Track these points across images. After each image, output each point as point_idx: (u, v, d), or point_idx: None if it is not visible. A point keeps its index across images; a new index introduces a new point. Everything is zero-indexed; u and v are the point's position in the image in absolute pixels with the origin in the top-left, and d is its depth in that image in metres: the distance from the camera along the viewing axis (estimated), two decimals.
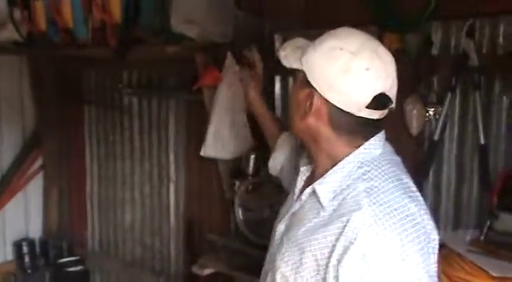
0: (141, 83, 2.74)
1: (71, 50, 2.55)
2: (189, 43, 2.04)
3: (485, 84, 1.65)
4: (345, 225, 1.02)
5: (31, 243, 3.19)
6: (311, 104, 1.10)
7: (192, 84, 2.18)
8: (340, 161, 1.11)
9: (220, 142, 2.11)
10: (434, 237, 1.07)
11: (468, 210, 1.71)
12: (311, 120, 1.12)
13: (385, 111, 1.11)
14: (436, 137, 1.74)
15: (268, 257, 1.27)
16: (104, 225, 3.12)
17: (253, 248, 2.04)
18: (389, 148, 1.16)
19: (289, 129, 1.25)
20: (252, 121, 2.13)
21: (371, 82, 1.06)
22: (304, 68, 1.11)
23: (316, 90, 1.09)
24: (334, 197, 1.09)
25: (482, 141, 1.65)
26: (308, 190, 1.16)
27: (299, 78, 1.14)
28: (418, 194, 1.10)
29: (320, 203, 1.11)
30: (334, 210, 1.07)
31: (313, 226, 1.10)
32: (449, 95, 1.71)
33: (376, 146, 1.12)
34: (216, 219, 2.46)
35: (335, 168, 1.11)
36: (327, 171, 1.13)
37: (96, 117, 3.05)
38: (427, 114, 1.76)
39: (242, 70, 1.78)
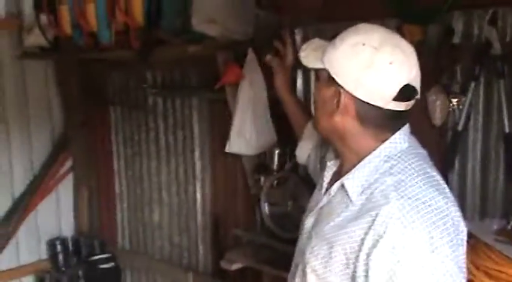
0: (164, 83, 2.78)
1: (95, 53, 2.61)
2: (210, 42, 2.07)
3: (509, 73, 1.63)
4: (374, 219, 1.04)
5: (64, 241, 3.27)
6: (338, 101, 1.12)
7: (214, 82, 2.22)
8: (366, 155, 1.13)
9: (244, 138, 2.14)
10: (463, 229, 1.08)
11: (494, 200, 1.70)
12: (338, 118, 1.14)
13: (411, 102, 1.13)
14: (460, 128, 1.73)
15: (297, 251, 1.29)
16: (133, 223, 3.18)
17: (278, 242, 2.06)
18: (414, 141, 1.17)
19: (315, 128, 1.25)
20: (275, 116, 2.16)
21: (396, 75, 1.08)
22: (327, 67, 1.12)
23: (342, 87, 1.11)
24: (362, 192, 1.11)
25: (507, 129, 1.63)
26: (337, 185, 1.17)
27: (322, 77, 1.16)
28: (445, 186, 1.11)
29: (349, 198, 1.13)
30: (363, 205, 1.09)
31: (342, 220, 1.12)
32: (472, 85, 1.70)
33: (402, 139, 1.14)
34: (242, 215, 2.49)
35: (362, 163, 1.13)
36: (354, 166, 1.15)
37: (121, 117, 3.10)
38: (451, 104, 1.74)
39: (272, 57, 1.75)
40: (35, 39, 2.87)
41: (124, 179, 3.17)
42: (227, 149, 2.21)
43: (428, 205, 1.04)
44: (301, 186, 1.98)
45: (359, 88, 1.09)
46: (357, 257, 1.06)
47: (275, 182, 2.09)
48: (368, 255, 1.03)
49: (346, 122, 1.14)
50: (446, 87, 1.75)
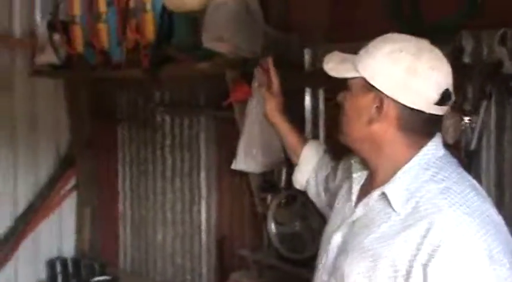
0: (173, 102, 2.79)
1: (106, 71, 2.64)
2: (220, 59, 2.08)
3: None
4: (429, 228, 1.03)
5: (64, 262, 3.22)
6: (379, 108, 1.12)
7: (222, 100, 2.21)
8: (405, 163, 1.12)
9: (251, 156, 2.12)
10: (509, 235, 1.08)
11: (511, 220, 1.66)
12: (377, 126, 1.13)
13: (448, 108, 1.15)
14: (473, 147, 1.71)
15: (321, 270, 1.25)
16: (135, 244, 3.13)
17: (286, 263, 2.02)
18: (445, 149, 1.18)
19: (342, 140, 1.22)
20: None
21: (437, 79, 1.11)
22: (364, 75, 1.13)
23: (383, 93, 1.11)
24: (406, 201, 1.09)
25: None
26: (375, 194, 1.15)
27: (356, 86, 1.16)
28: (486, 194, 1.12)
29: (391, 207, 1.11)
30: (409, 214, 1.07)
31: (386, 232, 1.09)
32: (484, 104, 1.68)
33: (438, 147, 1.15)
34: (248, 235, 2.45)
35: (402, 170, 1.12)
36: (390, 175, 1.13)
37: (128, 136, 3.10)
38: (463, 123, 1.73)
39: (258, 87, 1.75)
40: (47, 57, 2.92)
41: (128, 198, 3.15)
42: (234, 166, 2.19)
43: (480, 213, 1.04)
44: (309, 205, 1.94)
45: (403, 93, 1.10)
46: (409, 269, 1.04)
47: (283, 200, 2.06)
48: (425, 266, 1.02)
49: (385, 128, 1.13)
50: (458, 105, 1.74)
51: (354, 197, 1.22)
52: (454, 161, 1.16)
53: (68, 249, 3.35)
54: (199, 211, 2.70)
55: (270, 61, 1.67)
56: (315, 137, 2.14)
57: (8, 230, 3.12)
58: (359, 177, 1.24)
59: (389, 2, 1.85)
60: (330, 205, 1.50)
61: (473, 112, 1.72)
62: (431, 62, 1.11)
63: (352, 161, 1.27)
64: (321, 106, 2.15)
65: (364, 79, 1.13)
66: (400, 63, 1.10)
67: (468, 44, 1.72)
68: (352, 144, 1.21)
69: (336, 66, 1.20)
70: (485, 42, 1.69)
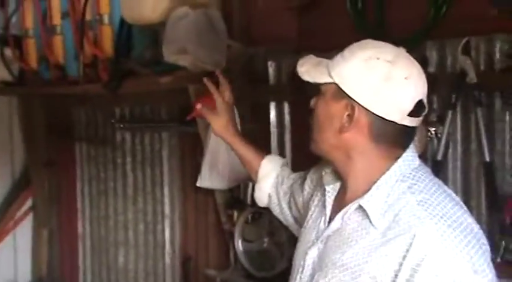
0: (133, 118, 2.71)
1: (62, 87, 2.53)
2: (182, 73, 2.01)
3: (486, 101, 1.63)
4: (411, 243, 0.99)
5: None
6: (350, 116, 1.08)
7: (185, 115, 2.15)
8: (380, 175, 1.08)
9: (216, 172, 2.06)
10: (487, 243, 1.06)
11: None
12: (348, 134, 1.09)
13: (421, 119, 1.11)
14: (439, 157, 1.70)
15: None
16: (96, 267, 3.01)
17: (254, 281, 1.95)
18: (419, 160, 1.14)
19: (313, 148, 1.17)
20: None
21: (412, 89, 1.06)
22: (337, 81, 1.09)
23: (355, 101, 1.07)
24: (384, 213, 1.05)
25: (487, 158, 1.61)
26: (352, 207, 1.10)
27: (328, 92, 1.11)
28: (462, 203, 1.09)
29: (369, 221, 1.06)
30: (389, 228, 1.04)
31: (365, 247, 1.05)
32: (450, 114, 1.68)
33: (413, 157, 1.11)
34: (214, 253, 2.38)
35: (378, 183, 1.08)
36: (365, 186, 1.09)
37: (87, 154, 2.99)
38: (429, 133, 1.72)
39: (202, 106, 1.61)
40: None
41: (88, 218, 3.03)
42: (198, 184, 2.12)
43: (460, 223, 1.02)
44: (277, 221, 1.89)
45: (375, 102, 1.05)
46: None
47: (249, 217, 2.00)
48: (408, 281, 0.98)
49: (357, 138, 1.09)
50: (424, 116, 1.73)
51: (328, 211, 1.17)
52: (429, 170, 1.14)
53: (24, 274, 3.19)
54: (162, 230, 2.62)
55: (219, 72, 1.64)
56: (281, 150, 2.11)
57: None
58: (332, 189, 1.19)
59: (355, 14, 1.84)
60: (297, 220, 1.46)
61: (439, 122, 1.73)
62: (408, 70, 1.06)
63: (323, 173, 1.22)
64: (287, 119, 2.12)
65: (337, 85, 1.09)
66: (376, 71, 1.06)
67: (432, 54, 1.72)
68: (323, 152, 1.16)
69: (309, 69, 1.15)
70: (449, 51, 1.69)
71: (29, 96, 3.01)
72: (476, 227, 1.05)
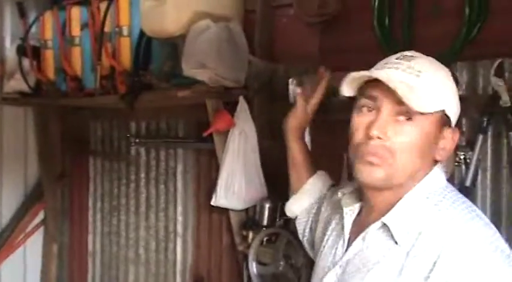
0: (149, 133, 2.66)
1: (78, 99, 2.51)
2: (201, 87, 1.97)
3: None
4: (435, 262, 0.94)
5: None
6: (450, 141, 1.08)
7: (202, 131, 2.10)
8: (405, 193, 1.04)
9: (232, 191, 2.00)
10: None
11: None
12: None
13: None
14: (467, 183, 1.61)
15: None
16: None
17: None
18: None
19: (385, 176, 1.03)
20: (266, 168, 2.03)
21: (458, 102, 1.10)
22: (445, 107, 1.07)
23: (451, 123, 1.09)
24: (408, 231, 1.00)
25: None
26: (374, 227, 1.04)
27: (432, 120, 1.04)
28: (493, 225, 1.03)
29: (393, 239, 1.01)
30: (413, 246, 0.98)
31: (388, 267, 0.99)
32: (480, 138, 1.60)
33: (441, 175, 1.08)
34: (226, 275, 2.30)
35: (404, 200, 1.03)
36: (392, 205, 1.04)
37: (101, 169, 2.95)
38: (457, 158, 1.64)
39: (300, 93, 1.54)
40: (15, 84, 2.79)
41: (99, 235, 2.97)
42: (213, 203, 2.05)
43: (490, 242, 0.96)
44: (294, 244, 1.81)
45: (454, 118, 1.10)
46: None
47: (265, 239, 1.92)
48: None
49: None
50: None
51: (347, 234, 1.11)
52: (456, 190, 1.09)
53: None
54: (174, 249, 2.54)
55: (323, 70, 1.56)
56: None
57: None
58: (350, 211, 1.13)
59: (381, 30, 1.78)
60: (312, 243, 1.39)
61: (468, 147, 1.64)
62: (454, 83, 1.11)
63: (339, 194, 1.17)
64: (307, 139, 2.04)
65: (443, 112, 1.05)
66: (454, 88, 1.09)
67: (463, 75, 1.65)
68: (397, 179, 1.03)
69: (408, 95, 1.00)
70: (481, 73, 1.62)
71: (44, 107, 2.99)
72: (508, 249, 0.98)
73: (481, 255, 0.94)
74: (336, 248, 1.13)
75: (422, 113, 1.01)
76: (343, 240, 1.11)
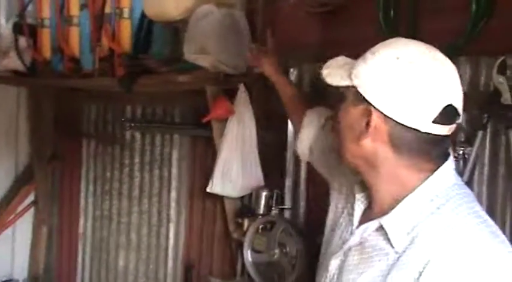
0: (145, 118, 2.64)
1: (75, 80, 2.47)
2: (201, 72, 1.95)
3: None
4: (422, 269, 0.91)
5: None
6: (368, 121, 0.98)
7: (200, 117, 2.09)
8: (407, 192, 0.99)
9: (229, 178, 1.99)
10: None
11: None
12: (368, 142, 0.99)
13: (453, 127, 0.99)
14: (465, 179, 1.62)
15: None
16: (95, 268, 2.92)
17: None
18: (458, 177, 1.03)
19: (341, 159, 1.09)
20: (263, 157, 2.03)
21: (436, 93, 0.95)
22: (356, 83, 0.99)
23: (372, 106, 0.97)
24: (406, 235, 0.97)
25: None
26: (373, 225, 1.02)
27: (349, 96, 1.02)
28: (501, 233, 0.97)
29: (389, 243, 0.98)
30: (406, 248, 0.95)
31: (382, 271, 0.97)
32: (479, 135, 1.60)
33: (448, 174, 1.00)
34: (218, 262, 2.30)
35: (404, 202, 0.98)
36: (391, 202, 1.00)
37: (94, 152, 2.91)
38: (456, 154, 1.64)
39: (254, 48, 1.82)
40: (10, 62, 2.73)
41: (90, 218, 2.94)
42: (209, 189, 2.05)
43: (487, 255, 0.90)
44: (289, 232, 1.81)
45: (393, 107, 0.95)
46: None
47: (260, 226, 1.92)
48: None
49: (377, 146, 0.99)
50: (452, 135, 1.65)
51: (356, 221, 1.10)
52: (467, 192, 1.02)
53: (21, 271, 3.10)
54: (166, 234, 2.53)
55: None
56: (297, 159, 2.03)
57: None
58: (362, 197, 1.10)
59: (386, 22, 1.77)
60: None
61: (467, 143, 1.65)
62: (432, 72, 0.95)
63: (358, 179, 1.12)
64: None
65: (355, 88, 0.99)
66: (394, 72, 0.95)
67: (465, 71, 1.65)
68: (348, 163, 1.07)
69: (332, 71, 1.05)
70: (484, 69, 1.62)
71: (39, 87, 2.94)
72: (509, 259, 0.91)
73: (474, 266, 0.89)
74: (347, 232, 1.11)
75: (339, 89, 1.03)
76: (352, 226, 1.09)
